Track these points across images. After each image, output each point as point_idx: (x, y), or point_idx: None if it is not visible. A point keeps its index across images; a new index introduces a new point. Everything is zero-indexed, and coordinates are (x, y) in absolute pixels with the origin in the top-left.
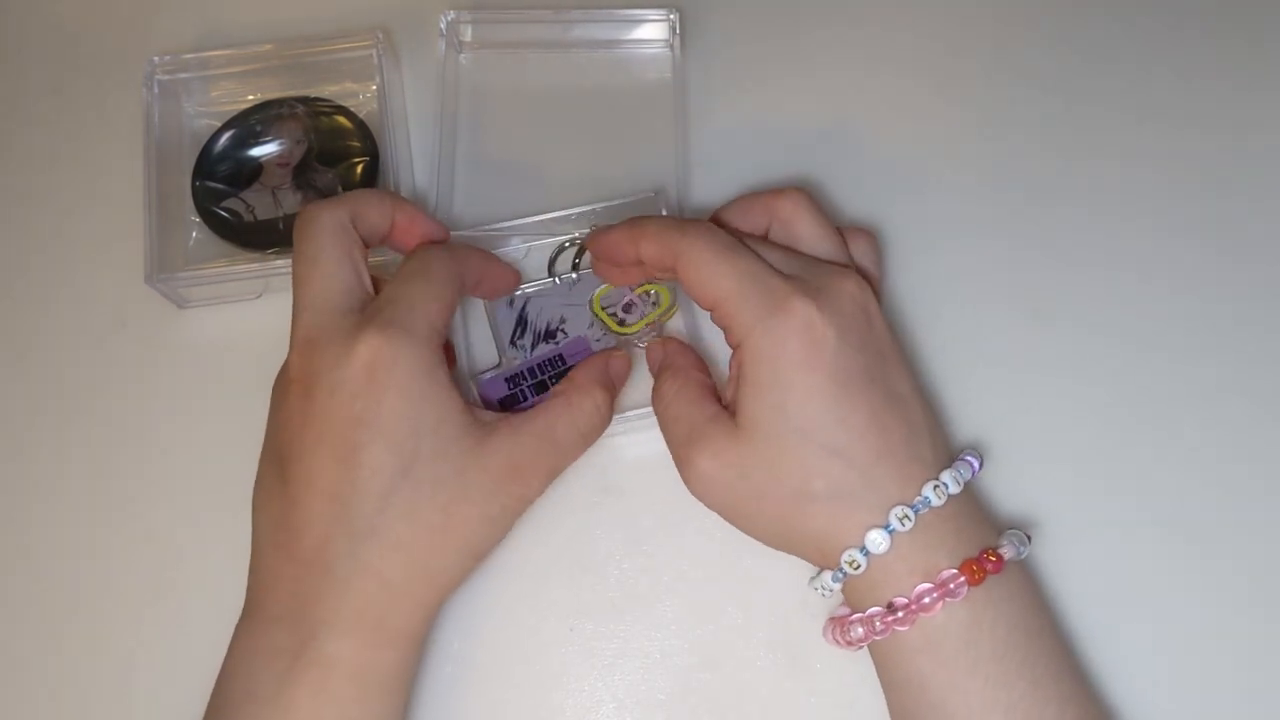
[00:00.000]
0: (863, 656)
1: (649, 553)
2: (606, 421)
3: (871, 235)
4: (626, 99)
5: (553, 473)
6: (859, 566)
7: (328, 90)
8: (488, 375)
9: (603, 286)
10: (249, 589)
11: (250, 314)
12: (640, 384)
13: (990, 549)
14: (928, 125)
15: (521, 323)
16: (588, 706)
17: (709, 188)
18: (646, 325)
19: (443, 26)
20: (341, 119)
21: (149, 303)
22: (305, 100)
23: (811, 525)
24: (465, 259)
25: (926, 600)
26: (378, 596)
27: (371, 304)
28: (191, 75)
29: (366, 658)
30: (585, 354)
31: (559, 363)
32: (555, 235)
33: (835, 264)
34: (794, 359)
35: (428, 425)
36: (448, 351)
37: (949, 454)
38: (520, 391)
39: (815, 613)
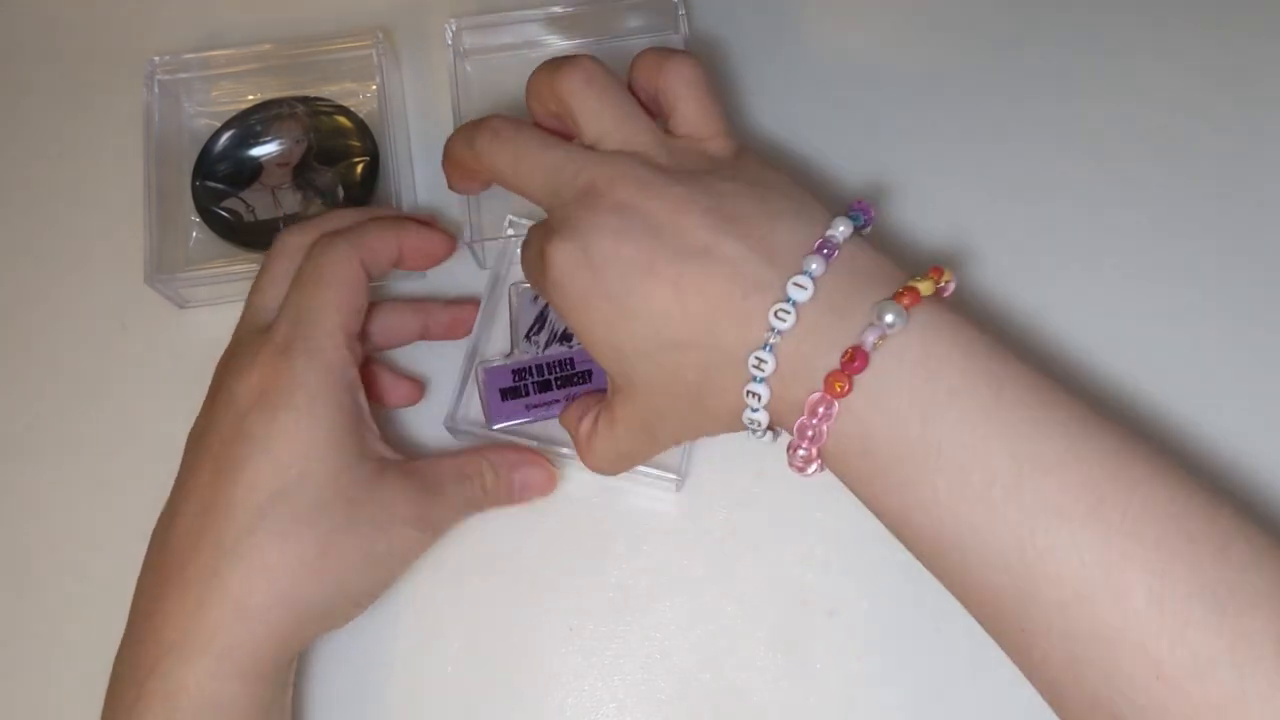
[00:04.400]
0: (861, 656)
1: (649, 553)
2: (490, 505)
3: (686, 65)
4: None
5: (439, 527)
6: (759, 423)
7: (328, 90)
8: (495, 364)
9: None
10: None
11: None
12: None
13: (854, 347)
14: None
15: (541, 319)
16: (588, 707)
17: None
18: None
19: (448, 37)
20: (341, 119)
21: (149, 303)
22: (305, 100)
23: (699, 416)
24: (366, 241)
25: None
26: (231, 622)
27: (277, 314)
28: (191, 75)
29: (213, 688)
30: (595, 363)
31: (568, 366)
32: None
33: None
34: (572, 304)
35: (319, 449)
36: (377, 378)
37: (801, 252)
38: (524, 386)
39: (814, 612)
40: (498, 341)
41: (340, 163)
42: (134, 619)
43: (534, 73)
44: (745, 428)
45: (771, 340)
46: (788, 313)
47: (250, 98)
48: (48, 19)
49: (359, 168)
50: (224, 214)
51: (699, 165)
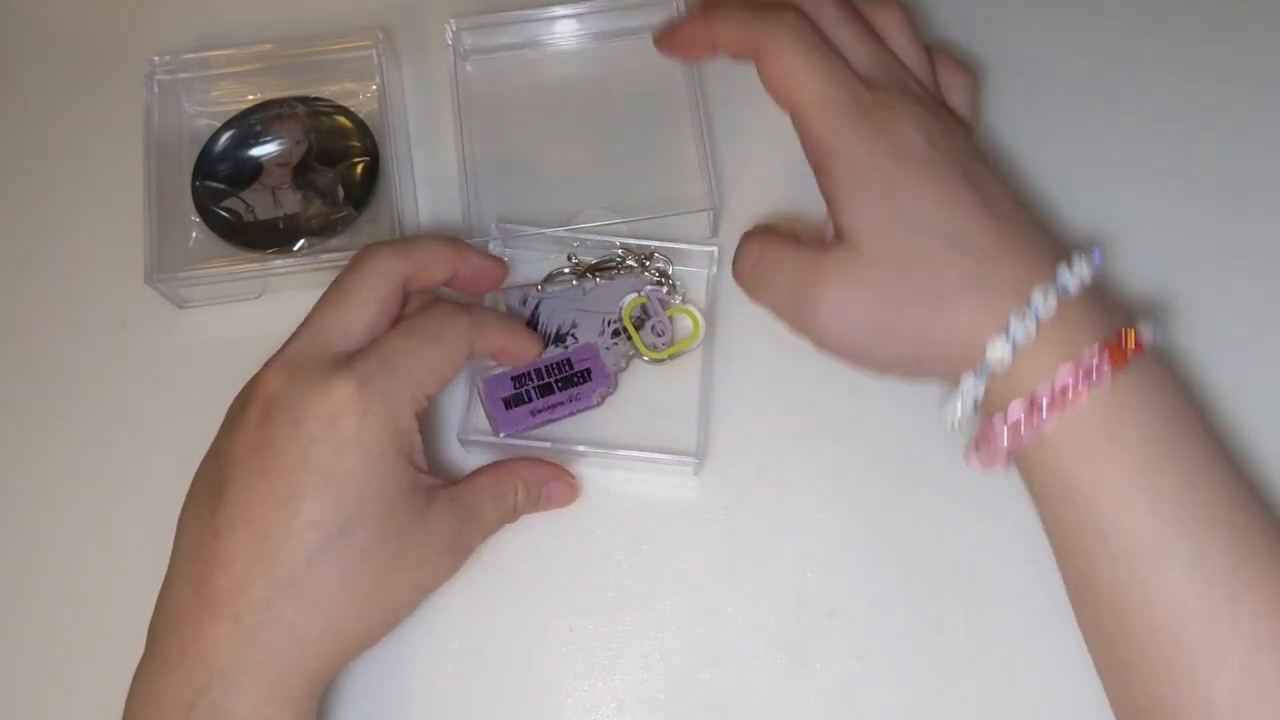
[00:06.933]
0: (861, 656)
1: (649, 553)
2: (520, 515)
3: (969, 74)
4: (643, 84)
5: (472, 549)
6: (1005, 360)
7: (328, 90)
8: (495, 373)
9: (632, 297)
10: (152, 623)
11: (250, 314)
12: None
13: (1129, 329)
14: None
15: (533, 323)
16: (588, 706)
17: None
18: (671, 355)
19: (448, 37)
20: (341, 119)
21: (149, 303)
22: (305, 100)
23: (953, 326)
24: (485, 328)
25: (1070, 384)
26: (284, 653)
27: (368, 347)
28: (191, 75)
29: (265, 714)
30: (594, 360)
31: (566, 367)
32: (602, 249)
33: (916, 83)
34: (893, 156)
35: (381, 489)
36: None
37: (1064, 251)
38: (525, 392)
39: (814, 613)
40: None
41: (340, 163)
42: (170, 640)
43: None
44: (968, 354)
45: (1066, 283)
46: (1084, 270)
47: (250, 98)
48: (48, 19)
49: (359, 168)
50: (224, 214)
51: None
